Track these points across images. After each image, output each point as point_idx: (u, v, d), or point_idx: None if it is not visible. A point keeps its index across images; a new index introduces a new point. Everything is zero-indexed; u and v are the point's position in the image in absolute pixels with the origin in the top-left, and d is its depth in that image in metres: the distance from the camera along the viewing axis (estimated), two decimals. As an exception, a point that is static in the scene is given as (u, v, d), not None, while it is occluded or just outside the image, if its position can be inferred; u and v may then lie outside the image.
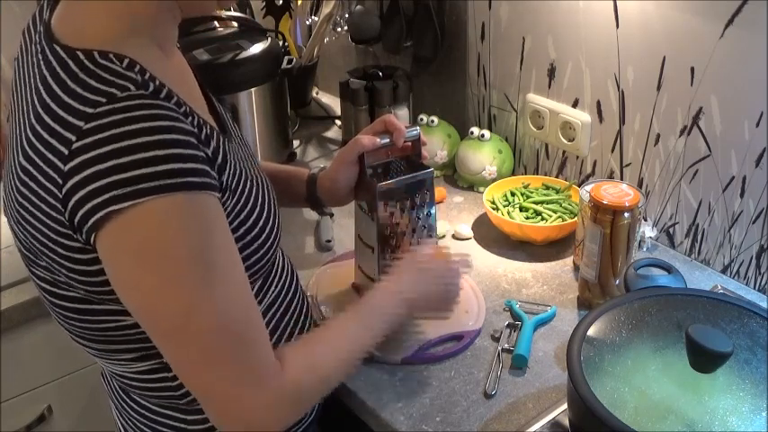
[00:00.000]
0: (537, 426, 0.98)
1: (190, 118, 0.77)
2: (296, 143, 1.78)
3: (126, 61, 0.75)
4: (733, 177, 1.21)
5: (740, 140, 1.18)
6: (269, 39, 1.60)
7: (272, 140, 1.64)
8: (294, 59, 1.73)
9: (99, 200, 0.70)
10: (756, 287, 1.24)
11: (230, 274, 0.77)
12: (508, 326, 1.17)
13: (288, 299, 0.99)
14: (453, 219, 1.47)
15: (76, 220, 0.72)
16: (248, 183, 0.87)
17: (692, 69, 1.20)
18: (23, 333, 1.32)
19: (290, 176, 1.18)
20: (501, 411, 1.02)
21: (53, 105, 0.74)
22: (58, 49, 0.76)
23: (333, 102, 1.94)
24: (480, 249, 1.38)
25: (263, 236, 0.88)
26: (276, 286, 0.97)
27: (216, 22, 1.60)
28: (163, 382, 0.90)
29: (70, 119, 0.71)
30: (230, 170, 0.83)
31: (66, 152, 0.71)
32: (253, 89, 1.55)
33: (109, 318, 0.83)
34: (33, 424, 1.38)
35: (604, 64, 1.34)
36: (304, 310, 1.04)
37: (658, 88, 1.27)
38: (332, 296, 1.23)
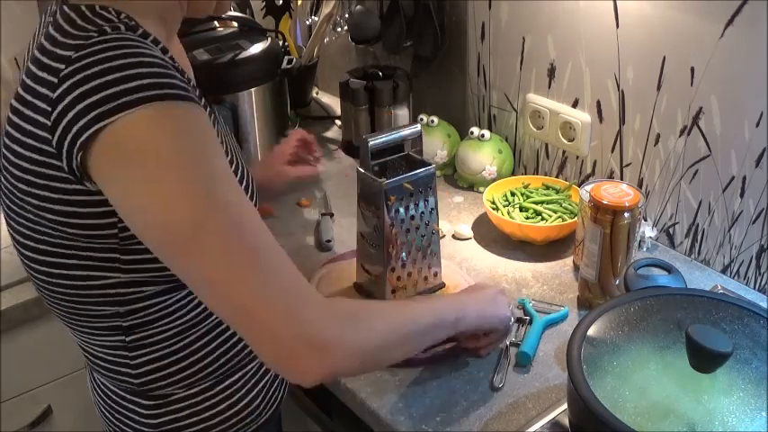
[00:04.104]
0: (537, 426, 0.98)
1: (178, 72, 0.77)
2: (296, 143, 1.78)
3: (123, 15, 0.77)
4: (733, 177, 1.21)
5: (740, 140, 1.18)
6: (269, 39, 1.60)
7: (272, 140, 1.64)
8: (294, 59, 1.73)
9: (86, 119, 0.70)
10: (756, 287, 1.24)
11: (231, 183, 0.75)
12: (518, 320, 1.17)
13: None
14: (453, 219, 1.47)
15: (66, 146, 0.72)
16: (229, 152, 0.88)
17: (692, 69, 1.20)
18: (23, 333, 1.32)
19: None
20: (501, 411, 1.02)
21: (49, 46, 0.76)
22: (65, 8, 0.79)
23: (333, 102, 1.94)
24: (480, 249, 1.38)
25: None
26: None
27: (216, 22, 1.60)
28: (123, 359, 0.90)
29: (62, 52, 0.74)
30: (216, 131, 0.83)
31: (56, 80, 0.72)
32: (253, 89, 1.55)
33: (82, 273, 0.82)
34: (33, 424, 1.38)
35: (604, 64, 1.34)
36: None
37: (658, 88, 1.27)
38: (332, 296, 1.23)
